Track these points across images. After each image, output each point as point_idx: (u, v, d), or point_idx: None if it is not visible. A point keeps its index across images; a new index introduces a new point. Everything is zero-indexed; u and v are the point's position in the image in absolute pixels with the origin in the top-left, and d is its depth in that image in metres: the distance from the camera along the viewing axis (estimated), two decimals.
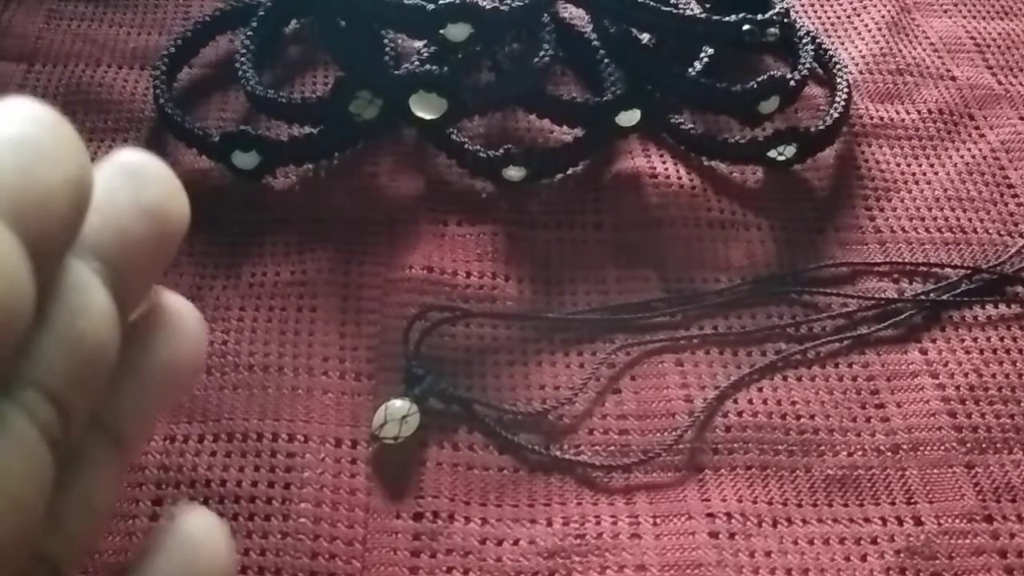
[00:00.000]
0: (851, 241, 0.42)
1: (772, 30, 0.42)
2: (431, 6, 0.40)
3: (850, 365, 0.38)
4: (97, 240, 0.14)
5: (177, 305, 0.17)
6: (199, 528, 0.15)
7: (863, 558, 0.32)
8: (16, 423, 0.12)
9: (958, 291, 0.40)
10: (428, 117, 0.41)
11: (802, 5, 0.55)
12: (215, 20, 0.48)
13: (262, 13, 0.48)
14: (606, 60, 0.46)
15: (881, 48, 0.52)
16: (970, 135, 0.47)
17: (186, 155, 0.44)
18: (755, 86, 0.43)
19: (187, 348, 0.16)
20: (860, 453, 0.35)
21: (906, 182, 0.45)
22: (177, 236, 0.16)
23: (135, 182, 0.16)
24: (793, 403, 0.36)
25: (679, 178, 0.44)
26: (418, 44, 0.46)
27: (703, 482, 0.34)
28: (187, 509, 0.15)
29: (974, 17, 0.55)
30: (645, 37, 0.46)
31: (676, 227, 0.42)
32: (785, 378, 0.37)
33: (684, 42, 0.47)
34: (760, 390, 0.37)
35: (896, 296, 0.40)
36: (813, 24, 0.54)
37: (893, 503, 0.34)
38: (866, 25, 0.54)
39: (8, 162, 0.13)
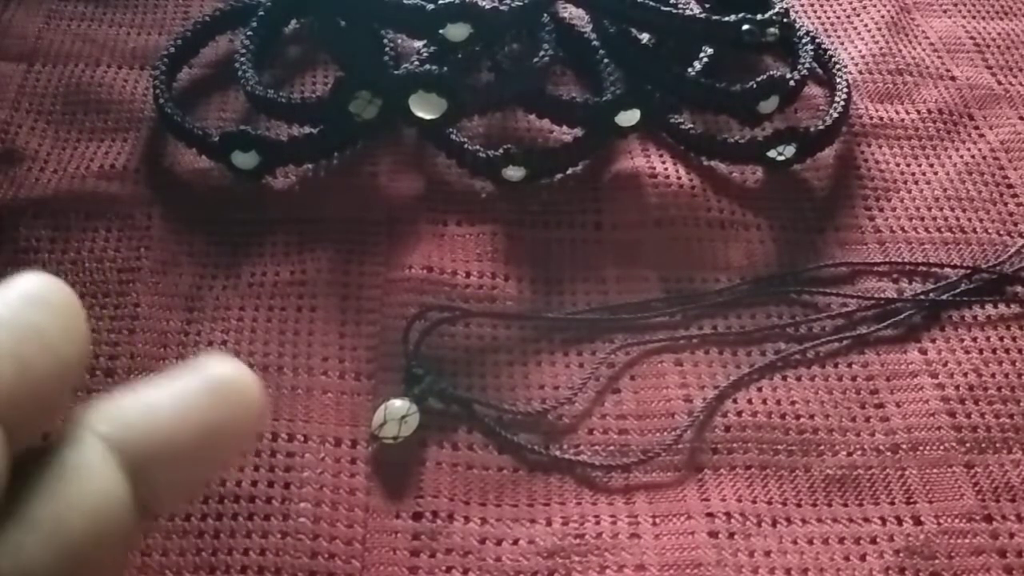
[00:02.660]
0: (851, 241, 0.42)
1: (772, 30, 0.42)
2: (431, 6, 0.40)
3: (850, 365, 0.38)
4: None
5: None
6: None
7: (863, 558, 0.32)
8: None
9: (958, 291, 0.40)
10: (428, 117, 0.41)
11: (802, 5, 0.55)
12: (215, 20, 0.49)
13: (262, 13, 0.48)
14: (606, 60, 0.46)
15: (881, 48, 0.52)
16: (970, 135, 0.47)
17: (186, 155, 0.44)
18: (755, 86, 0.43)
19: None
20: (860, 453, 0.35)
21: (906, 182, 0.45)
22: (236, 455, 0.16)
23: (214, 402, 0.14)
24: (793, 403, 0.36)
25: (679, 178, 0.44)
26: (418, 44, 0.46)
27: (702, 482, 0.34)
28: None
29: (974, 17, 0.55)
30: (645, 37, 0.46)
31: (676, 227, 0.42)
32: (785, 378, 0.37)
33: (684, 42, 0.47)
34: (760, 390, 0.37)
35: (896, 296, 0.40)
36: (813, 24, 0.54)
37: (893, 503, 0.34)
38: (866, 25, 0.54)
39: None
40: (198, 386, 0.14)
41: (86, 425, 0.13)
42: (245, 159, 0.42)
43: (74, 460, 0.13)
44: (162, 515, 0.14)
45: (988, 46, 0.53)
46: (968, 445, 0.35)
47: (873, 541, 0.32)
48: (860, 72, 0.50)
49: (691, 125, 0.45)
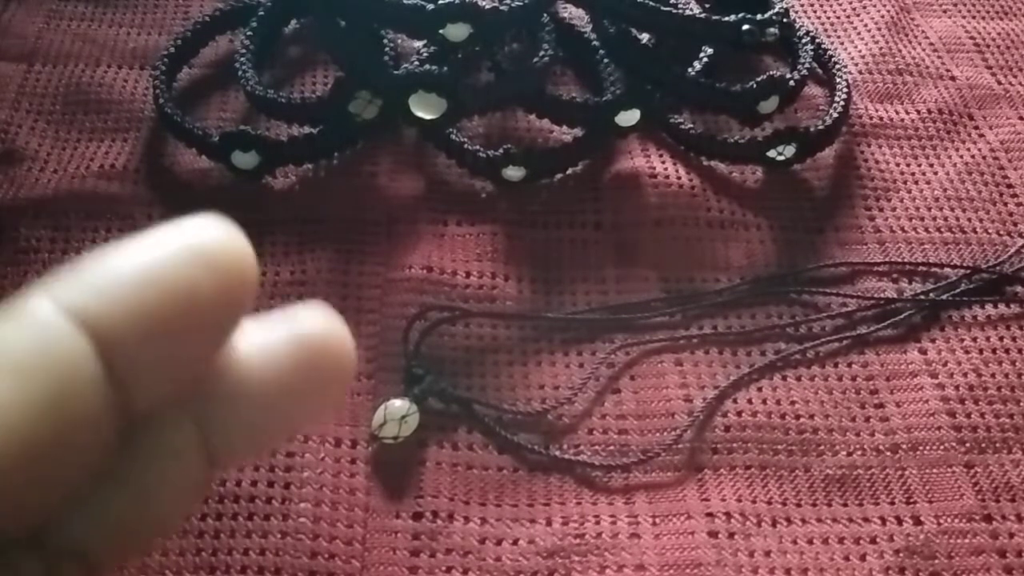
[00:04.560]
0: (851, 241, 0.42)
1: (772, 30, 0.42)
2: (431, 6, 0.40)
3: (850, 365, 0.38)
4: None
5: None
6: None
7: (862, 558, 0.32)
8: None
9: (958, 291, 0.40)
10: (428, 117, 0.41)
11: (802, 5, 0.55)
12: (215, 20, 0.49)
13: (262, 13, 0.48)
14: (606, 60, 0.46)
15: (881, 48, 0.52)
16: (970, 135, 0.47)
17: (186, 155, 0.44)
18: (755, 86, 0.43)
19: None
20: (859, 453, 0.35)
21: (906, 182, 0.45)
22: (315, 414, 0.13)
23: (300, 358, 0.13)
24: (793, 403, 0.36)
25: (679, 178, 0.44)
26: (418, 44, 0.46)
27: (702, 482, 0.34)
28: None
29: (974, 17, 0.55)
30: (645, 37, 0.46)
31: (676, 227, 0.42)
32: (785, 378, 0.37)
33: (684, 42, 0.47)
34: (760, 390, 0.37)
35: (896, 296, 0.40)
36: (813, 24, 0.54)
37: (892, 503, 0.34)
38: (866, 25, 0.54)
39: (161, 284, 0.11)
40: (175, 250, 0.12)
41: (40, 292, 0.11)
42: (245, 159, 0.42)
43: (169, 441, 0.12)
44: (225, 467, 0.13)
45: (988, 46, 0.53)
46: (968, 445, 0.35)
47: (873, 541, 0.32)
48: (860, 72, 0.50)
49: (691, 125, 0.45)
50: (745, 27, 0.42)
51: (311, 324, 0.13)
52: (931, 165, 0.46)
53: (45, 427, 0.10)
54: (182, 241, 0.12)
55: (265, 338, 0.13)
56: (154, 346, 0.11)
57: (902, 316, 0.39)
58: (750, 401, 0.36)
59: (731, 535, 0.32)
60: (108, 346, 0.11)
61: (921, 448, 0.35)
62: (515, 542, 0.32)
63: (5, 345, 0.10)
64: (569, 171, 0.44)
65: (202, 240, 0.12)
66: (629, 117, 0.43)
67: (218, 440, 0.12)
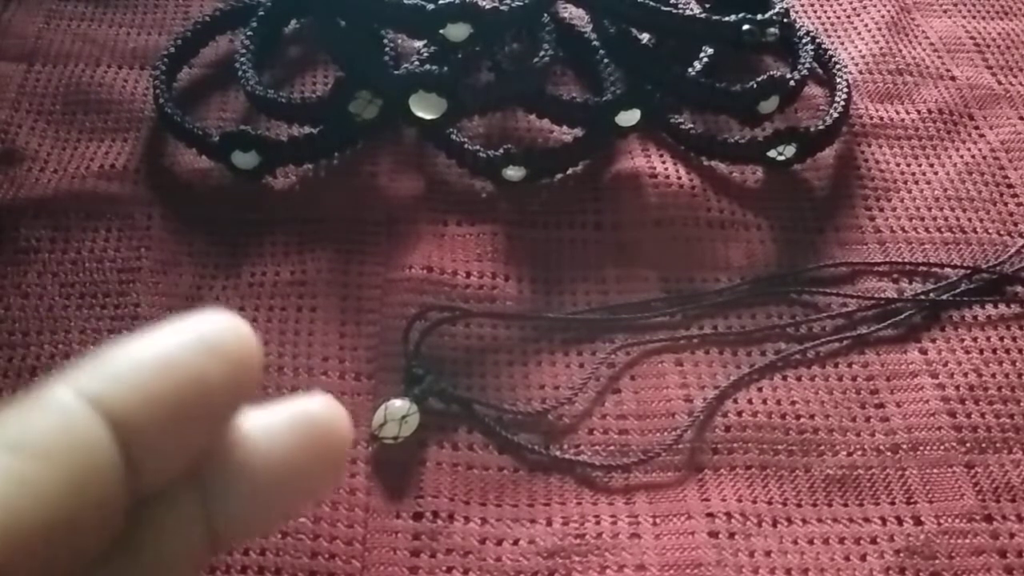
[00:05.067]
0: (851, 241, 0.42)
1: (772, 30, 0.42)
2: (431, 6, 0.40)
3: (850, 365, 0.38)
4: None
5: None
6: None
7: (863, 558, 0.32)
8: None
9: (958, 291, 0.40)
10: (428, 117, 0.41)
11: (802, 5, 0.55)
12: (215, 20, 0.48)
13: (262, 13, 0.48)
14: (606, 60, 0.46)
15: (881, 48, 0.52)
16: (970, 135, 0.47)
17: (186, 155, 0.44)
18: (755, 86, 0.43)
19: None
20: (860, 453, 0.35)
21: (906, 182, 0.45)
22: (315, 497, 0.15)
23: (302, 441, 0.13)
24: (793, 403, 0.36)
25: (679, 178, 0.44)
26: (418, 44, 0.46)
27: (703, 482, 0.34)
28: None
29: (974, 17, 0.55)
30: (645, 37, 0.46)
31: (676, 227, 0.42)
32: (785, 378, 0.37)
33: (684, 42, 0.47)
34: (760, 390, 0.37)
35: (896, 296, 0.40)
36: (813, 24, 0.54)
37: (893, 503, 0.34)
38: (866, 25, 0.54)
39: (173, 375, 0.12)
40: (186, 341, 0.13)
41: (63, 381, 0.12)
42: (245, 159, 0.42)
43: (45, 413, 0.12)
44: (226, 547, 0.13)
45: (988, 46, 0.53)
46: (968, 445, 0.35)
47: (873, 541, 0.32)
48: (860, 72, 0.50)
49: (691, 125, 0.45)
50: (745, 27, 0.42)
51: (313, 407, 0.13)
52: (931, 165, 0.46)
53: (67, 504, 0.11)
54: (193, 333, 0.13)
55: (269, 420, 0.13)
56: (166, 431, 0.12)
57: (902, 316, 0.39)
58: (750, 401, 0.36)
59: (731, 535, 0.32)
60: (124, 431, 0.12)
61: (921, 448, 0.35)
62: (515, 542, 0.32)
63: (32, 429, 0.11)
64: (569, 171, 0.44)
65: (211, 331, 0.13)
66: (629, 117, 0.43)
67: (221, 518, 0.13)
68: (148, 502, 0.12)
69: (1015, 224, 0.43)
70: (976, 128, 0.48)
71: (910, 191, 0.45)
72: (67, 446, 0.11)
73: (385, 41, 0.45)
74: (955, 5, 0.55)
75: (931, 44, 0.53)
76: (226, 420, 0.13)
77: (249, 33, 0.47)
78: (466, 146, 0.43)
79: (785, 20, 0.44)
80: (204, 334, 0.13)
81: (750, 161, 0.45)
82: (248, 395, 0.13)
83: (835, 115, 0.44)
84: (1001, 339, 0.39)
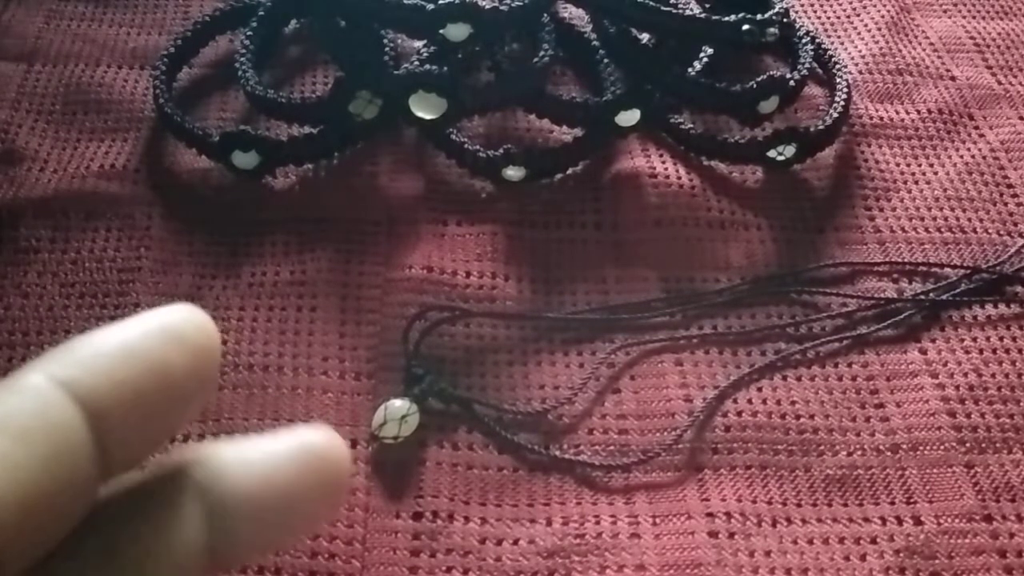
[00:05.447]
0: (851, 241, 0.42)
1: (772, 30, 0.42)
2: (431, 6, 0.40)
3: (850, 365, 0.38)
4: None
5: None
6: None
7: (863, 558, 0.32)
8: None
9: (958, 291, 0.40)
10: (428, 117, 0.41)
11: (802, 5, 0.55)
12: (215, 20, 0.49)
13: (262, 13, 0.48)
14: (606, 60, 0.46)
15: (881, 48, 0.52)
16: (970, 135, 0.47)
17: (186, 155, 0.44)
18: (755, 86, 0.43)
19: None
20: (860, 453, 0.35)
21: (906, 182, 0.45)
22: (309, 527, 0.15)
23: (302, 473, 0.14)
24: (793, 403, 0.36)
25: (679, 178, 0.44)
26: (418, 44, 0.46)
27: (703, 482, 0.34)
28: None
29: (974, 17, 0.55)
30: (645, 37, 0.46)
31: (676, 227, 0.42)
32: (785, 378, 0.37)
33: (684, 42, 0.47)
34: (760, 390, 0.37)
35: (896, 296, 0.40)
36: (813, 24, 0.54)
37: (893, 503, 0.34)
38: (866, 25, 0.54)
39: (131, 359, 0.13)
40: (150, 330, 0.13)
41: (35, 367, 0.13)
42: (245, 159, 0.42)
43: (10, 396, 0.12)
44: (224, 568, 0.13)
45: (988, 46, 0.53)
46: (968, 445, 0.35)
47: (873, 541, 0.32)
48: (860, 72, 0.50)
49: (691, 125, 0.45)
50: (745, 27, 0.42)
51: (315, 439, 0.14)
52: (931, 165, 0.46)
53: (44, 482, 0.12)
54: (156, 323, 0.13)
55: (273, 448, 0.14)
56: (132, 414, 0.13)
57: (902, 316, 0.39)
58: (750, 401, 0.36)
59: (731, 535, 0.32)
60: (93, 413, 0.12)
61: (921, 448, 0.35)
62: (515, 542, 0.32)
63: (8, 412, 0.12)
64: (569, 171, 0.44)
65: (173, 321, 0.13)
66: (629, 117, 0.43)
67: (221, 536, 0.13)
68: (149, 500, 0.13)
69: (1015, 224, 0.43)
70: (976, 128, 0.48)
71: (910, 191, 0.45)
72: (43, 427, 0.12)
73: (385, 41, 0.45)
74: (955, 5, 0.55)
75: (931, 44, 0.53)
76: (188, 406, 0.13)
77: (249, 33, 0.47)
78: (466, 146, 0.43)
79: (785, 20, 0.44)
80: (166, 324, 0.13)
81: (750, 161, 0.45)
82: (209, 382, 0.14)
83: (835, 115, 0.44)
84: (1001, 339, 0.39)
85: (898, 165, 0.46)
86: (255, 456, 0.14)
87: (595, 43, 0.47)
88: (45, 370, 0.12)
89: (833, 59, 0.49)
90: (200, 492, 0.13)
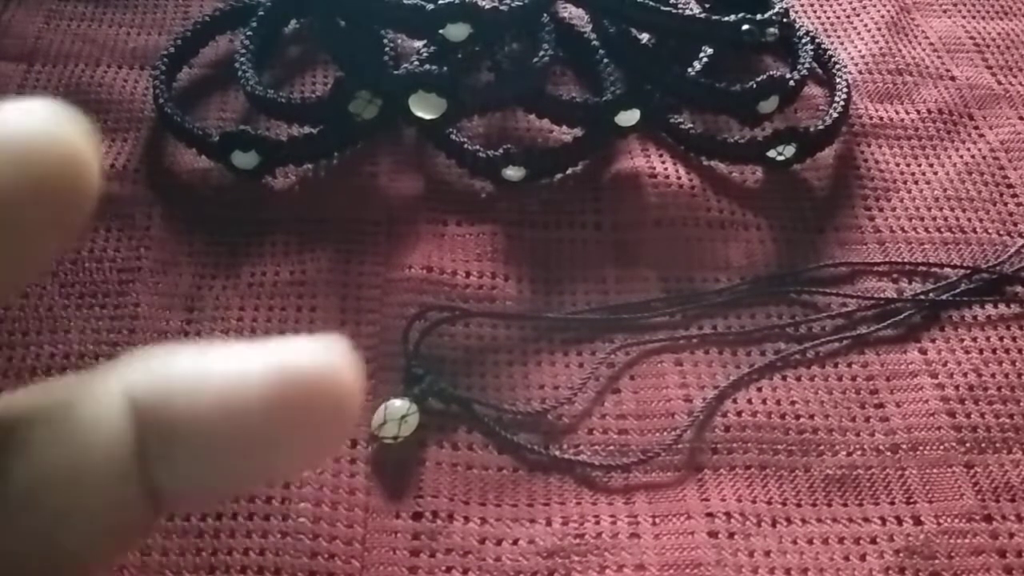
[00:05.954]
0: (851, 241, 0.42)
1: (772, 30, 0.42)
2: (431, 6, 0.40)
3: (849, 365, 0.38)
4: None
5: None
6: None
7: (862, 558, 0.32)
8: None
9: (957, 291, 0.40)
10: (428, 117, 0.41)
11: (802, 5, 0.55)
12: (215, 20, 0.48)
13: (262, 13, 0.48)
14: (606, 60, 0.46)
15: (881, 48, 0.52)
16: (970, 135, 0.47)
17: (186, 155, 0.44)
18: (755, 86, 0.43)
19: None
20: (859, 453, 0.35)
21: (905, 182, 0.45)
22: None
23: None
24: (793, 403, 0.36)
25: (679, 178, 0.44)
26: (418, 44, 0.46)
27: (702, 482, 0.34)
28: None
29: (974, 17, 0.55)
30: (645, 37, 0.46)
31: (675, 227, 0.42)
32: (784, 378, 0.37)
33: (684, 42, 0.47)
34: (759, 390, 0.37)
35: (895, 296, 0.40)
36: (813, 24, 0.54)
37: (892, 503, 0.34)
38: (866, 25, 0.54)
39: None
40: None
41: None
42: (245, 159, 0.42)
43: (80, 408, 0.10)
44: (174, 510, 0.11)
45: (988, 46, 0.53)
46: (968, 445, 0.35)
47: (873, 541, 0.32)
48: (860, 72, 0.50)
49: (691, 125, 0.45)
50: (745, 27, 0.42)
51: (300, 356, 0.10)
52: (931, 165, 0.46)
53: None
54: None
55: (239, 367, 0.10)
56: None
57: (902, 316, 0.39)
58: (750, 401, 0.36)
59: (731, 535, 0.32)
60: None
61: (921, 448, 0.35)
62: (515, 542, 0.32)
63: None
64: (569, 171, 0.44)
65: (18, 124, 0.10)
66: (629, 117, 0.43)
67: (166, 477, 0.11)
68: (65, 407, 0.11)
69: (1015, 224, 0.43)
70: (976, 128, 0.48)
71: (910, 191, 0.45)
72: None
73: (385, 41, 0.45)
74: (955, 5, 0.55)
75: (931, 44, 0.53)
76: (43, 223, 0.10)
77: (249, 33, 0.47)
78: (466, 146, 0.43)
79: (785, 20, 0.44)
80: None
81: (750, 161, 0.45)
82: (74, 196, 0.10)
83: (835, 115, 0.45)
84: (1001, 339, 0.39)
85: (898, 165, 0.46)
86: (216, 371, 0.10)
87: (595, 43, 0.47)
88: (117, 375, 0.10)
89: (833, 59, 0.49)
90: (133, 398, 0.10)
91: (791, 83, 0.44)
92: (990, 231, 0.43)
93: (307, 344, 0.11)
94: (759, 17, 0.42)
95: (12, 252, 0.10)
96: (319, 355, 0.10)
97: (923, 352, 0.38)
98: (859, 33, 0.53)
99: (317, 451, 0.11)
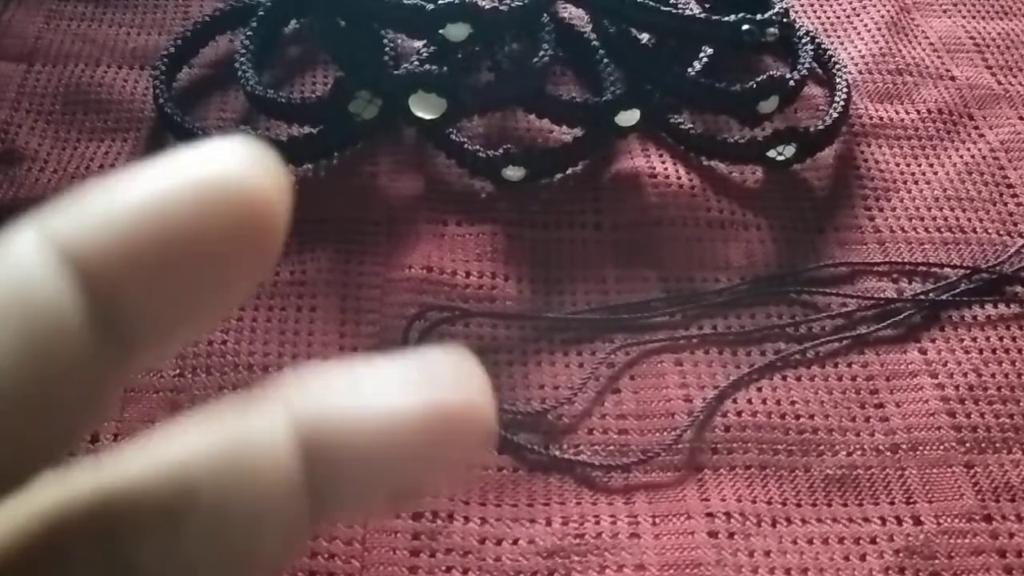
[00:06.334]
0: (851, 241, 0.42)
1: (772, 30, 0.42)
2: (431, 6, 0.40)
3: (849, 365, 0.38)
4: None
5: None
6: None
7: (862, 558, 0.32)
8: None
9: (957, 291, 0.40)
10: (428, 117, 0.41)
11: (802, 5, 0.55)
12: (215, 20, 0.49)
13: (262, 13, 0.48)
14: (606, 60, 0.46)
15: (881, 48, 0.52)
16: (969, 135, 0.47)
17: None
18: (755, 86, 0.43)
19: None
20: (859, 453, 0.35)
21: (905, 182, 0.45)
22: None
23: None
24: (792, 403, 0.36)
25: (679, 178, 0.44)
26: (418, 44, 0.46)
27: (702, 482, 0.34)
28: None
29: (974, 17, 0.55)
30: (645, 37, 0.46)
31: (675, 227, 0.42)
32: (784, 378, 0.37)
33: (684, 42, 0.47)
34: (759, 390, 0.37)
35: (895, 296, 0.40)
36: (813, 24, 0.54)
37: (892, 503, 0.34)
38: (866, 25, 0.54)
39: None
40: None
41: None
42: None
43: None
44: (330, 522, 0.11)
45: (988, 46, 0.53)
46: (968, 445, 0.35)
47: (873, 541, 0.32)
48: (860, 72, 0.50)
49: (691, 125, 0.45)
50: (745, 27, 0.42)
51: (452, 390, 0.11)
52: (931, 165, 0.46)
53: (23, 374, 0.09)
54: (195, 170, 0.10)
55: (397, 399, 0.11)
56: (151, 280, 0.10)
57: (902, 316, 0.39)
58: (750, 401, 0.36)
59: (731, 535, 0.32)
60: (97, 280, 0.10)
61: (921, 448, 0.35)
62: (515, 542, 0.32)
63: None
64: (569, 171, 0.44)
65: (216, 167, 0.10)
66: (629, 117, 0.43)
67: (327, 496, 0.11)
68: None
69: (1015, 224, 0.43)
70: (976, 128, 0.48)
71: (910, 191, 0.45)
72: (21, 304, 0.10)
73: (385, 41, 0.45)
74: (955, 5, 0.55)
75: (931, 44, 0.53)
76: (237, 266, 0.10)
77: (249, 33, 0.47)
78: (466, 146, 0.43)
79: (785, 20, 0.44)
80: (204, 173, 0.10)
81: (750, 161, 0.45)
82: (265, 235, 0.10)
83: (835, 115, 0.45)
84: (1001, 339, 0.39)
85: (898, 165, 0.46)
86: (375, 404, 0.11)
87: (595, 43, 0.47)
88: (41, 227, 0.10)
89: (833, 59, 0.49)
90: (300, 431, 0.11)
91: (791, 83, 0.44)
92: (990, 231, 0.43)
93: (452, 376, 0.11)
94: (759, 17, 0.42)
95: (213, 291, 0.10)
96: (464, 390, 0.11)
97: (923, 352, 0.38)
98: (859, 33, 0.53)
99: (461, 470, 0.12)
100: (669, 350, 0.38)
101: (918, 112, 0.48)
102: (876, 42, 0.52)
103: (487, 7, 0.40)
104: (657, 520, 0.33)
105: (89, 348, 0.10)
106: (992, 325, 0.39)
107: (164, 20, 0.52)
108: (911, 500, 0.34)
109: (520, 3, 0.41)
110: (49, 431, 0.10)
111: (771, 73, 0.43)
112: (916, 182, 0.45)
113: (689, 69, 0.46)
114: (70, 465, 0.11)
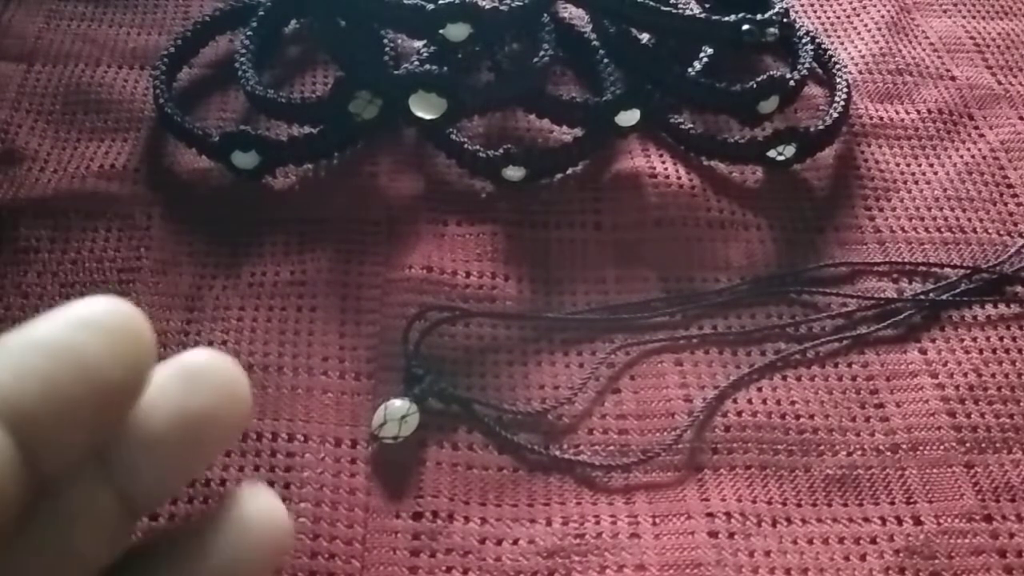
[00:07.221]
0: (851, 241, 0.42)
1: (772, 30, 0.42)
2: (431, 6, 0.40)
3: (849, 365, 0.38)
4: (128, 447, 0.13)
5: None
6: (256, 507, 0.14)
7: (862, 558, 0.32)
8: None
9: (957, 291, 0.40)
10: (428, 117, 0.41)
11: (802, 5, 0.55)
12: (215, 20, 0.49)
13: (262, 13, 0.48)
14: (606, 60, 0.46)
15: (881, 48, 0.52)
16: (970, 135, 0.47)
17: (186, 155, 0.44)
18: (755, 86, 0.43)
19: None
20: (860, 453, 0.35)
21: (906, 182, 0.45)
22: (220, 443, 0.14)
23: (186, 387, 0.14)
24: (793, 403, 0.36)
25: (679, 178, 0.44)
26: (418, 44, 0.46)
27: (702, 482, 0.34)
28: (246, 489, 0.14)
29: (974, 17, 0.55)
30: (645, 37, 0.46)
31: (676, 227, 0.42)
32: (785, 378, 0.37)
33: (684, 42, 0.47)
34: (760, 390, 0.37)
35: (895, 296, 0.40)
36: (813, 24, 0.54)
37: (893, 503, 0.34)
38: (866, 25, 0.54)
39: (36, 368, 0.12)
40: (65, 320, 0.12)
41: None
42: (245, 159, 0.42)
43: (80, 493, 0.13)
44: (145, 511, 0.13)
45: (988, 46, 0.53)
46: (968, 445, 0.35)
47: (873, 541, 0.32)
48: (860, 72, 0.50)
49: (691, 125, 0.45)
50: (745, 27, 0.42)
51: (191, 355, 0.14)
52: (931, 165, 0.46)
53: None
54: (73, 314, 0.13)
55: (155, 377, 0.13)
56: (54, 410, 0.12)
57: (902, 316, 0.39)
58: (750, 401, 0.36)
59: (731, 535, 0.32)
60: (16, 419, 0.12)
61: (921, 448, 0.35)
62: (515, 542, 0.32)
63: None
64: (569, 171, 0.44)
65: (91, 311, 0.13)
66: (629, 117, 0.43)
67: (134, 489, 0.13)
68: (53, 490, 0.13)
69: (1015, 224, 0.43)
70: (976, 128, 0.48)
71: (910, 191, 0.45)
72: None
73: (385, 41, 0.45)
74: (955, 5, 0.55)
75: (931, 44, 0.53)
76: (122, 400, 0.13)
77: (249, 33, 0.47)
78: (466, 146, 0.43)
79: (785, 20, 0.44)
80: (82, 315, 0.13)
81: (750, 161, 0.45)
82: (140, 372, 0.13)
83: (835, 115, 0.45)
84: (1001, 339, 0.39)
85: (898, 165, 0.46)
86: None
87: (595, 43, 0.47)
88: None
89: (833, 59, 0.49)
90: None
91: (791, 83, 0.44)
92: (990, 231, 0.43)
93: (192, 351, 0.14)
94: (759, 17, 0.42)
95: (106, 414, 0.13)
96: (204, 352, 0.14)
97: (923, 352, 0.38)
98: (859, 33, 0.53)
99: (232, 424, 0.14)
100: (669, 350, 0.38)
101: (918, 112, 0.48)
102: (876, 42, 0.52)
103: (487, 7, 0.40)
104: (657, 520, 0.33)
105: (15, 474, 0.12)
106: (992, 325, 0.39)
107: (164, 20, 0.52)
108: (911, 500, 0.34)
109: (520, 3, 0.41)
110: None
111: (771, 73, 0.43)
112: (916, 182, 0.45)
113: (689, 69, 0.46)
114: None
